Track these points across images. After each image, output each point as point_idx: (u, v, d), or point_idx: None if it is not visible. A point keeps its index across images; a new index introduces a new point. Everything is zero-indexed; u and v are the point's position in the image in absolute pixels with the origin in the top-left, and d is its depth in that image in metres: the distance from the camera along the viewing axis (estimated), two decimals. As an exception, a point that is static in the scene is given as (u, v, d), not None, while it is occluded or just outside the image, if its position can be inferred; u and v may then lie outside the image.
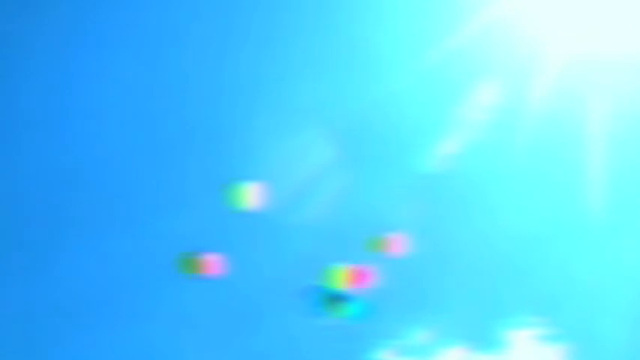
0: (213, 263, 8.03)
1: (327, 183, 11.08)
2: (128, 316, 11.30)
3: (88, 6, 11.34)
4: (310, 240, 10.83)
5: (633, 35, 11.07)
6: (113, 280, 11.32)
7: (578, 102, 11.28)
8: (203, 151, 11.39)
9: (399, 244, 8.27)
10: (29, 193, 11.28)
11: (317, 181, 11.00)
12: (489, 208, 11.26)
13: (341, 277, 7.96)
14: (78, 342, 11.25)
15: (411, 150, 11.32)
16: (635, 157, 11.32)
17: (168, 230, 11.19)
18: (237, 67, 11.34)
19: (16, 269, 11.23)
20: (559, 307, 11.19)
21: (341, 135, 11.21)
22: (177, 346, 11.00)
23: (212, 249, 10.95)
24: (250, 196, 8.10)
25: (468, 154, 11.23)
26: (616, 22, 11.07)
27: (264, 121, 11.09)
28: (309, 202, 10.84)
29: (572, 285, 11.21)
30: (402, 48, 11.27)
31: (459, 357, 11.02)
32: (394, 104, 11.19)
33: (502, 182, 11.34)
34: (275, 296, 10.28)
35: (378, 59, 11.32)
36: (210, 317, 10.94)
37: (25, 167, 11.27)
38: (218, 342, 10.90)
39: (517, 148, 11.21)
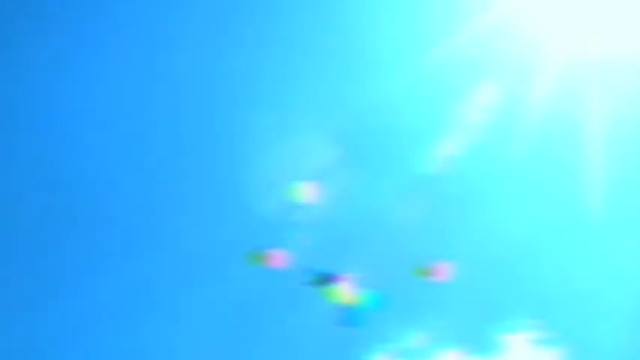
0: (279, 257, 8.47)
1: (325, 184, 11.09)
2: (127, 316, 11.41)
3: (86, 6, 11.37)
4: (308, 240, 10.86)
5: (633, 35, 11.04)
6: (111, 280, 11.43)
7: (578, 102, 11.26)
8: (202, 151, 11.44)
9: (445, 271, 8.57)
10: (29, 196, 11.36)
11: (316, 182, 11.00)
12: (487, 210, 11.27)
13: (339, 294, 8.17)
14: (80, 341, 11.39)
15: (409, 151, 11.32)
16: (635, 159, 11.30)
17: (166, 230, 11.28)
18: (236, 67, 11.34)
19: (14, 269, 11.34)
20: (555, 310, 11.22)
21: (340, 136, 11.21)
22: (176, 346, 11.11)
23: (210, 248, 11.07)
24: (304, 192, 8.55)
25: (467, 155, 11.23)
26: (616, 22, 11.04)
27: (263, 122, 11.12)
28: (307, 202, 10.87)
29: (569, 288, 11.24)
30: (401, 49, 11.26)
31: (454, 360, 11.09)
32: (393, 105, 11.19)
33: (500, 184, 11.35)
34: (274, 298, 10.36)
35: (377, 60, 11.31)
36: (210, 318, 11.03)
37: (24, 170, 11.34)
38: (218, 342, 10.99)
39: (516, 149, 11.20)
